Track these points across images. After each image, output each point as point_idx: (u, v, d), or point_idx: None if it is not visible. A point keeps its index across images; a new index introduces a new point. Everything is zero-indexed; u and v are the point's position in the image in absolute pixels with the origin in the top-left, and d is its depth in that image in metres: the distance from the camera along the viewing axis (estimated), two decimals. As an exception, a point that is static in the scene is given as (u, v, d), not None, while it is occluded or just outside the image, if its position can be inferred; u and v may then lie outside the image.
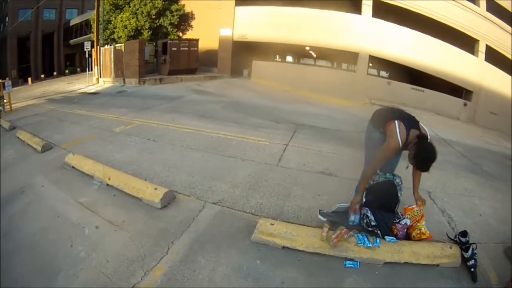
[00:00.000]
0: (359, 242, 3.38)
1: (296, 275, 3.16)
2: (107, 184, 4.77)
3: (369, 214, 3.49)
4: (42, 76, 26.79)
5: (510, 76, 15.37)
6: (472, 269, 3.22)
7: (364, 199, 3.65)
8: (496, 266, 3.39)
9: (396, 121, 3.28)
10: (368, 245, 3.35)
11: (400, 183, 3.66)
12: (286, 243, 3.46)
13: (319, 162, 5.94)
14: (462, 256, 3.31)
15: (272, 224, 3.63)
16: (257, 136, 7.30)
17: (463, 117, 15.61)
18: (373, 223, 3.46)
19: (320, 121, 9.86)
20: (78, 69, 30.36)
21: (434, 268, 3.27)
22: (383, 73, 18.32)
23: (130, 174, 5.00)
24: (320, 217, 3.84)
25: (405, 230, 3.58)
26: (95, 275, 3.15)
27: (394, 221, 3.61)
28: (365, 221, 3.51)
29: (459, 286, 3.12)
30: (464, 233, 3.47)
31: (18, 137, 7.44)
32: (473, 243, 3.37)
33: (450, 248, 3.38)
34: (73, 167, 5.42)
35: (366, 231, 3.49)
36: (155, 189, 4.34)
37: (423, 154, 3.20)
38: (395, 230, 3.58)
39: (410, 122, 3.37)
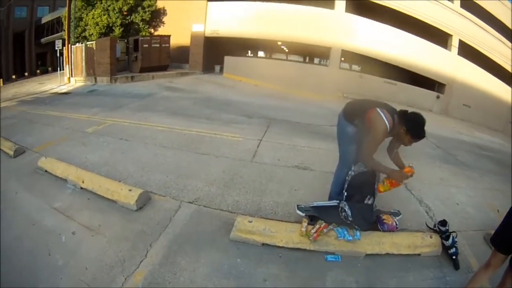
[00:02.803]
0: (339, 235, 3.32)
1: (277, 271, 3.10)
2: (81, 188, 4.52)
3: (346, 208, 3.40)
4: (14, 76, 25.10)
5: (482, 69, 15.48)
6: (454, 257, 3.22)
7: (345, 193, 3.51)
8: (476, 253, 3.42)
9: (377, 108, 3.16)
10: (349, 238, 3.29)
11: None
12: (266, 240, 3.37)
13: (293, 157, 5.87)
14: (443, 244, 3.30)
15: (250, 222, 3.52)
16: (230, 132, 7.17)
17: (436, 109, 15.59)
18: (350, 219, 3.38)
19: (293, 115, 9.78)
20: (50, 69, 28.50)
21: (415, 258, 3.28)
22: (355, 67, 18.20)
23: (104, 176, 4.76)
24: (298, 212, 3.72)
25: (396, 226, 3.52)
26: (75, 283, 2.96)
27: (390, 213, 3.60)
28: (343, 214, 3.43)
29: (441, 274, 3.12)
30: (443, 222, 3.47)
31: (-10, 144, 6.87)
32: (453, 232, 3.36)
33: (431, 237, 3.37)
34: (46, 171, 5.09)
35: (346, 225, 3.42)
36: (130, 190, 4.15)
37: (415, 123, 3.12)
38: (390, 220, 3.51)
39: (390, 109, 3.24)
